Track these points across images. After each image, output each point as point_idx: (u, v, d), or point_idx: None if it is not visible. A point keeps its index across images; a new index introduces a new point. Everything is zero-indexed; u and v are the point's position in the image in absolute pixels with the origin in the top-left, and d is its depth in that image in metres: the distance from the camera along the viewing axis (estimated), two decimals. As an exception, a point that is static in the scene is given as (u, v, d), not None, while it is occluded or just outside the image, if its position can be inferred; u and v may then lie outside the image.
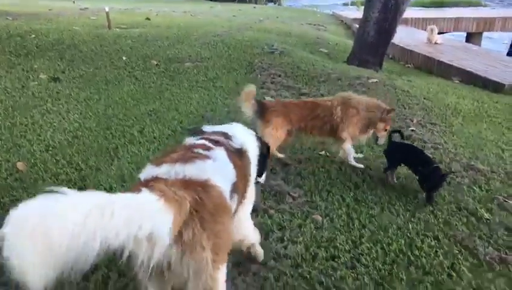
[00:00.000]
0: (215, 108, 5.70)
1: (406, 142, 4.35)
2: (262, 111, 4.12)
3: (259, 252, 2.73)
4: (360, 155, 4.43)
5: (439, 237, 3.10)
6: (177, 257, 1.65)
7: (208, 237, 1.69)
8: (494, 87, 7.77)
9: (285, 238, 3.00)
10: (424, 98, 6.53)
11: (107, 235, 1.32)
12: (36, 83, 6.17)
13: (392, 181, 3.90)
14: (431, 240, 3.06)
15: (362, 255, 2.86)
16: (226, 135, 2.31)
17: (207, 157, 1.95)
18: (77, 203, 1.33)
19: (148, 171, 1.82)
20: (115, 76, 6.78)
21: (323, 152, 4.50)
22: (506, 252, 2.95)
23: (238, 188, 2.07)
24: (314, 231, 3.10)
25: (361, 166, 4.23)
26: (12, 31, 8.50)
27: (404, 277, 2.66)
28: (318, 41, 11.57)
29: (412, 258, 2.85)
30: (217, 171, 1.88)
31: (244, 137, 2.39)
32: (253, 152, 2.42)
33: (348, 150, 4.26)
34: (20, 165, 3.82)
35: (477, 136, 5.22)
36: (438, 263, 2.81)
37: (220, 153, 2.07)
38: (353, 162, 4.26)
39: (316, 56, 9.49)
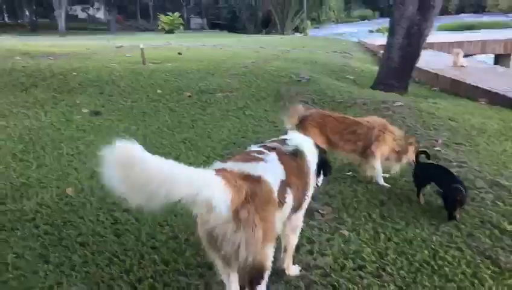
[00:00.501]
0: (245, 135, 6.01)
1: (431, 162, 4.50)
2: (302, 121, 4.42)
3: (290, 262, 2.95)
4: (386, 175, 4.61)
5: (462, 248, 3.24)
6: (233, 230, 2.07)
7: (259, 219, 2.13)
8: (520, 107, 7.84)
9: (314, 251, 3.21)
10: (450, 119, 6.67)
11: (171, 189, 1.82)
12: (79, 116, 6.64)
13: (422, 201, 4.04)
14: (454, 251, 3.21)
15: (387, 265, 3.03)
16: (282, 142, 2.74)
17: (261, 159, 2.42)
18: (155, 160, 1.83)
19: (216, 165, 2.30)
20: (151, 108, 7.20)
21: (350, 173, 4.71)
22: (528, 262, 3.07)
23: (290, 185, 2.47)
24: (342, 245, 3.30)
25: (388, 185, 4.42)
26: (55, 70, 9.11)
27: (428, 284, 2.82)
28: (344, 69, 11.85)
29: (436, 267, 3.01)
30: (267, 170, 2.33)
31: (299, 142, 2.77)
32: (310, 156, 2.78)
33: (378, 168, 4.49)
34: (69, 190, 4.17)
35: (502, 154, 5.33)
36: (460, 272, 2.96)
37: (272, 156, 2.50)
38: (381, 181, 4.46)
39: (342, 82, 9.75)
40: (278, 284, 2.81)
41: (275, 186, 2.31)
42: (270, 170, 2.36)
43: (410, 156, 4.45)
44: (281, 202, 2.39)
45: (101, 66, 9.89)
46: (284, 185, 2.41)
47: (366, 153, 4.52)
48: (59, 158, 4.98)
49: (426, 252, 3.20)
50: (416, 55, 8.94)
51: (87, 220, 3.63)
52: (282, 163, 2.48)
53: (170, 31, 31.57)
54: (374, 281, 2.85)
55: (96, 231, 3.47)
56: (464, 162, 4.93)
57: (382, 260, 3.09)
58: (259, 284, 2.27)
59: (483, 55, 18.51)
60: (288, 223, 2.75)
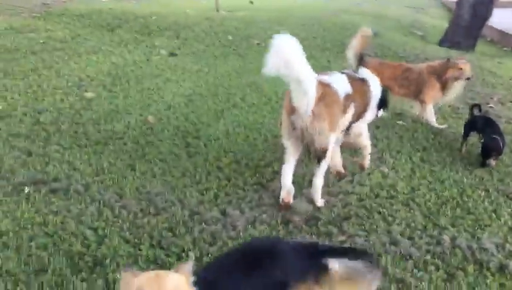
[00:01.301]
0: (307, 82, 6.45)
1: (483, 115, 4.73)
2: (360, 64, 4.85)
3: (367, 161, 3.87)
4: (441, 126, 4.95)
5: (490, 190, 3.63)
6: (310, 122, 2.98)
7: (326, 113, 2.99)
8: None
9: (354, 181, 3.72)
10: (510, 79, 6.72)
11: (294, 72, 2.82)
12: (158, 57, 7.34)
13: (463, 149, 4.37)
14: (481, 191, 3.60)
15: (417, 197, 3.49)
16: (354, 72, 3.69)
17: (333, 75, 3.28)
18: (299, 57, 2.84)
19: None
20: (222, 52, 7.78)
21: (400, 122, 5.08)
22: (547, 205, 3.41)
23: (354, 99, 3.31)
24: (380, 179, 3.77)
25: (443, 126, 4.90)
26: (137, 13, 9.87)
27: (449, 214, 3.26)
28: (414, 24, 11.76)
29: (461, 202, 3.43)
30: (336, 81, 3.18)
31: (368, 76, 3.62)
32: (374, 88, 3.60)
33: (430, 112, 4.96)
34: (150, 118, 4.87)
35: (556, 114, 5.45)
36: (482, 207, 3.37)
37: (342, 76, 3.34)
38: (434, 123, 4.94)
39: (410, 38, 9.81)
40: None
41: (341, 93, 3.14)
42: (338, 83, 3.18)
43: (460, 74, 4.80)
44: (345, 109, 3.22)
45: (178, 11, 10.54)
46: (350, 98, 3.24)
47: (419, 97, 4.96)
48: (141, 91, 5.70)
49: (455, 190, 3.61)
50: (487, 14, 8.81)
51: (165, 142, 4.32)
52: (350, 82, 3.29)
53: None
54: (402, 208, 3.33)
55: (172, 151, 4.15)
56: (513, 119, 5.14)
57: (413, 193, 3.55)
58: (324, 159, 3.18)
59: None
60: (353, 130, 3.60)
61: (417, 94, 4.98)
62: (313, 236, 2.96)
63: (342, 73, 3.45)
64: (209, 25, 9.32)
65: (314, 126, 3.00)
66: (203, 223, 3.04)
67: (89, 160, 3.87)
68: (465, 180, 3.77)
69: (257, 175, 3.75)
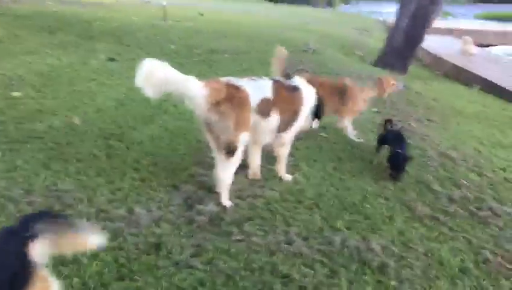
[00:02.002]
0: (241, 93, 6.63)
1: (395, 129, 5.03)
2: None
3: (283, 168, 4.04)
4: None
5: (390, 198, 3.87)
6: (216, 119, 3.18)
7: (233, 113, 3.18)
8: (509, 96, 8.23)
9: (265, 186, 3.88)
10: (433, 100, 7.18)
11: (173, 87, 3.02)
12: (96, 61, 7.34)
13: (376, 161, 4.64)
14: (382, 199, 3.84)
15: (321, 202, 3.68)
16: (288, 80, 3.85)
17: (251, 79, 3.46)
18: (166, 69, 3.00)
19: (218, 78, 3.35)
20: (162, 60, 7.83)
21: (323, 134, 5.31)
22: (439, 213, 3.68)
23: (277, 105, 3.50)
24: (291, 185, 3.95)
25: (359, 140, 5.18)
26: (81, 17, 9.83)
27: (347, 218, 3.47)
28: (356, 44, 12.27)
29: (360, 208, 3.65)
30: (251, 85, 3.35)
31: (302, 85, 3.80)
32: (307, 96, 3.78)
33: (350, 125, 5.24)
34: (76, 119, 4.88)
35: (466, 133, 5.86)
36: (379, 213, 3.59)
37: (265, 81, 3.54)
38: (353, 136, 5.22)
39: (348, 57, 10.24)
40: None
41: (254, 97, 3.32)
42: (253, 86, 3.37)
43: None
44: (264, 113, 3.43)
45: (124, 17, 10.55)
46: (269, 102, 3.44)
47: (340, 111, 5.22)
48: (71, 93, 5.70)
49: (358, 197, 3.83)
50: (419, 38, 9.34)
51: (86, 143, 4.35)
52: (274, 88, 3.49)
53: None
54: (305, 212, 3.51)
55: (92, 152, 4.18)
56: (427, 136, 5.50)
57: (318, 198, 3.74)
58: (232, 157, 3.35)
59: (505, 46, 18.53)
60: (277, 139, 3.80)
61: (339, 108, 5.22)
62: (214, 235, 3.08)
63: (272, 79, 3.63)
64: (153, 32, 9.40)
65: (219, 124, 3.22)
66: (108, 221, 3.11)
67: (3, 157, 3.86)
68: (369, 188, 4.01)
69: (172, 177, 3.85)
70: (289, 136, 3.87)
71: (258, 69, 7.97)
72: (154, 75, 2.95)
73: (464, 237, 3.37)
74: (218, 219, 3.28)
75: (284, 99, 3.61)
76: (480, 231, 3.48)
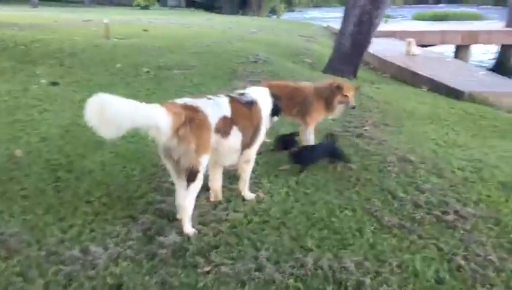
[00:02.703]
0: (194, 109, 6.43)
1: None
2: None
3: (247, 187, 3.89)
4: None
5: (356, 209, 3.78)
6: (176, 144, 3.00)
7: (193, 136, 3.03)
8: (456, 94, 8.48)
9: (229, 208, 3.70)
10: (385, 103, 7.24)
11: (133, 121, 2.78)
12: (37, 86, 6.94)
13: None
14: (349, 211, 3.74)
15: (288, 220, 3.54)
16: (242, 94, 3.67)
17: (208, 98, 3.34)
18: (121, 102, 2.75)
19: (174, 100, 3.20)
20: (108, 81, 7.54)
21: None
22: (406, 221, 3.62)
23: (238, 124, 3.40)
24: (255, 204, 3.79)
25: None
26: (18, 41, 9.32)
27: (316, 235, 3.35)
28: (304, 52, 12.34)
29: (328, 223, 3.53)
30: (208, 105, 3.24)
31: (256, 94, 3.71)
32: (264, 105, 3.71)
33: (311, 134, 5.07)
34: (18, 152, 4.53)
35: (421, 135, 5.91)
36: (347, 227, 3.49)
37: (221, 99, 3.42)
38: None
39: (299, 66, 10.25)
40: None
41: (213, 116, 3.20)
42: (211, 105, 3.26)
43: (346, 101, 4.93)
44: (224, 132, 3.31)
45: (64, 38, 10.11)
46: (228, 121, 3.33)
47: (303, 118, 5.06)
48: (12, 124, 5.32)
49: (324, 211, 3.72)
50: (366, 43, 9.47)
51: (31, 177, 4.03)
52: (231, 106, 3.39)
53: (146, 7, 31.40)
54: (272, 232, 3.36)
55: (38, 186, 3.87)
56: (385, 140, 5.49)
57: (285, 217, 3.60)
58: (193, 182, 3.18)
59: (445, 46, 19.29)
60: (242, 156, 3.66)
61: (302, 115, 5.08)
62: (179, 269, 2.88)
63: (228, 96, 3.51)
64: (97, 52, 9.05)
65: (179, 149, 3.04)
66: (60, 264, 2.84)
67: None
68: (334, 201, 3.91)
69: (128, 207, 3.61)
70: (253, 151, 3.78)
71: (210, 83, 7.83)
72: (108, 111, 2.67)
73: (434, 244, 3.32)
74: (182, 250, 3.08)
75: (243, 115, 3.52)
76: (449, 236, 3.44)
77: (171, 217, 3.46)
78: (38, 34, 10.45)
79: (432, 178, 4.51)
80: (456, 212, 3.82)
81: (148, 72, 8.16)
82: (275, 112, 3.91)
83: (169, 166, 3.27)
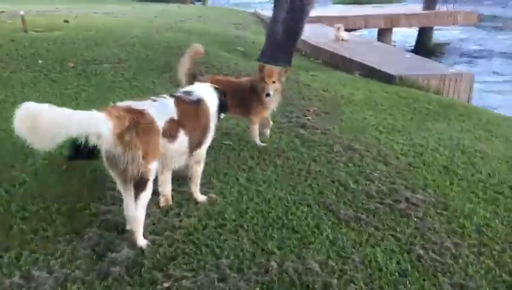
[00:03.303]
0: (129, 106, 6.08)
1: None
2: (191, 83, 4.63)
3: (198, 189, 3.71)
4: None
5: (311, 204, 3.73)
6: (121, 151, 2.76)
7: (140, 142, 2.80)
8: (387, 78, 8.71)
9: (181, 213, 3.51)
10: (323, 90, 7.28)
11: (68, 129, 2.47)
12: None
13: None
14: (304, 207, 3.69)
15: (245, 222, 3.42)
16: (187, 92, 3.47)
17: (153, 100, 3.14)
18: (54, 111, 2.45)
19: (116, 103, 2.95)
20: (31, 79, 6.95)
21: (227, 142, 5.03)
22: (361, 213, 3.64)
23: (184, 125, 3.21)
24: (208, 207, 3.62)
25: (264, 144, 4.94)
26: None
27: (276, 236, 3.25)
28: (235, 40, 12.14)
29: (286, 221, 3.45)
30: (154, 107, 3.02)
31: (202, 92, 3.52)
32: (210, 102, 3.54)
33: (255, 130, 4.95)
34: None
35: (362, 121, 5.99)
36: (305, 224, 3.43)
37: (166, 100, 3.22)
38: (258, 141, 4.96)
39: (232, 54, 10.05)
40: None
41: (160, 119, 3.00)
42: (157, 108, 3.05)
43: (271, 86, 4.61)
44: (171, 135, 3.11)
45: (-25, 33, 9.22)
46: (175, 123, 3.14)
47: (246, 115, 4.94)
48: None
49: (280, 209, 3.64)
50: (298, 30, 9.45)
51: (-46, 195, 3.60)
52: (177, 107, 3.19)
53: (62, -5, 29.55)
54: (231, 237, 3.22)
55: (-37, 205, 3.46)
56: (328, 130, 5.51)
57: (241, 218, 3.47)
58: (143, 191, 2.96)
59: (368, 29, 19.90)
60: (192, 157, 3.50)
61: (245, 112, 4.94)
62: (136, 287, 2.66)
63: (172, 96, 3.32)
64: (15, 47, 8.32)
65: (126, 155, 2.79)
66: (0, 295, 2.53)
67: None
68: (289, 197, 3.83)
69: (71, 221, 3.31)
70: (203, 151, 3.63)
71: (142, 77, 7.45)
72: (40, 122, 2.41)
73: (392, 235, 3.35)
74: (137, 265, 2.86)
75: (190, 115, 3.34)
76: (404, 225, 3.49)
77: (120, 229, 3.22)
78: None
79: (379, 166, 4.58)
80: (407, 199, 3.89)
81: (74, 67, 7.62)
82: (222, 108, 3.75)
83: (114, 175, 3.00)
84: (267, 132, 5.11)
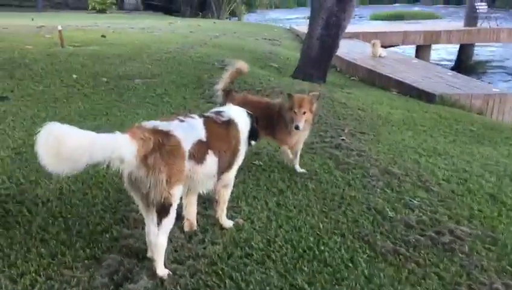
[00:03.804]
0: (159, 123, 5.98)
1: None
2: (225, 101, 4.47)
3: (224, 215, 3.49)
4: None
5: (345, 234, 3.46)
6: (144, 174, 2.60)
7: (164, 165, 2.62)
8: (427, 97, 8.36)
9: (206, 240, 3.30)
10: (359, 109, 7.00)
11: (91, 156, 2.33)
12: (-17, 102, 6.32)
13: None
14: (337, 237, 3.42)
15: (273, 252, 3.17)
16: (218, 113, 3.31)
17: (180, 120, 2.93)
18: (77, 135, 2.33)
19: (142, 123, 2.78)
20: (64, 94, 6.98)
21: (256, 162, 4.83)
22: (400, 245, 3.34)
23: (213, 147, 3.01)
24: (235, 233, 3.41)
25: (303, 170, 4.60)
26: (-37, 51, 8.59)
27: (306, 269, 2.99)
28: (270, 56, 12.03)
29: (317, 253, 3.19)
30: (181, 128, 2.83)
31: (234, 113, 3.33)
32: (242, 125, 3.34)
33: (287, 153, 4.62)
34: (-40, 182, 3.99)
35: (400, 143, 5.68)
36: (338, 257, 3.16)
37: (195, 120, 3.02)
38: (297, 166, 4.64)
39: (266, 71, 9.91)
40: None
41: (186, 141, 2.80)
42: (184, 128, 2.86)
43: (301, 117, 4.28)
44: (199, 158, 2.91)
45: (15, 47, 9.43)
46: (204, 145, 2.94)
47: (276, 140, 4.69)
48: (-47, 147, 4.74)
49: (311, 238, 3.38)
50: (334, 46, 9.25)
51: (-24, 213, 3.51)
52: (206, 127, 3.00)
53: (102, 11, 30.37)
54: (257, 268, 2.99)
55: (-16, 224, 3.37)
56: (364, 151, 5.23)
57: (269, 247, 3.23)
58: (166, 217, 2.76)
59: (405, 46, 19.46)
60: (220, 180, 3.28)
61: (273, 135, 4.66)
62: (153, 323, 2.46)
63: (202, 116, 3.14)
64: (50, 62, 8.43)
65: (149, 179, 2.63)
66: (10, 327, 2.37)
67: None
68: (321, 225, 3.58)
69: (91, 245, 3.15)
70: (231, 175, 3.42)
71: (174, 93, 7.39)
72: (65, 147, 2.28)
73: (434, 273, 3.03)
74: (156, 298, 2.66)
75: (220, 137, 3.15)
76: (448, 261, 3.17)
77: (141, 256, 3.03)
78: (-15, 43, 9.71)
79: (419, 192, 4.27)
80: (450, 232, 3.57)
81: (107, 82, 7.63)
82: (253, 135, 3.53)
83: (137, 199, 2.84)
84: (294, 161, 4.68)
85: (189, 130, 2.93)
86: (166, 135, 2.75)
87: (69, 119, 5.87)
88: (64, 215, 3.54)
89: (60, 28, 10.34)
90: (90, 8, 31.47)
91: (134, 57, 9.39)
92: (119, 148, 2.47)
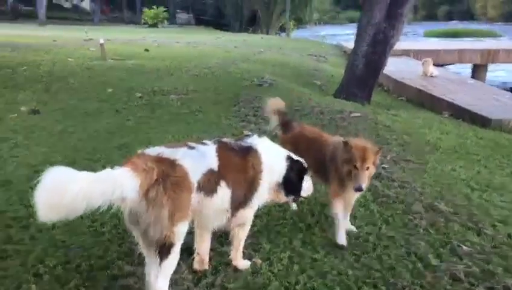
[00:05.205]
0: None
1: None
2: (284, 130, 4.06)
3: (239, 255, 3.08)
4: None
5: (379, 285, 2.96)
6: (144, 208, 2.30)
7: (167, 199, 2.33)
8: (482, 122, 7.64)
9: (215, 283, 2.90)
10: (404, 134, 6.43)
11: (89, 201, 2.11)
12: (15, 115, 6.25)
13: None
14: (370, 288, 2.93)
15: (291, 304, 2.74)
16: (239, 138, 3.09)
17: (189, 146, 2.61)
18: (75, 178, 2.09)
19: (145, 151, 2.50)
20: (96, 108, 6.84)
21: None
22: (445, 304, 2.81)
23: (226, 178, 2.65)
24: (249, 277, 2.99)
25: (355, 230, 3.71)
26: (5, 63, 8.71)
27: (328, 330, 2.53)
28: (313, 73, 11.61)
29: (344, 308, 2.73)
30: (189, 157, 2.51)
31: (258, 144, 2.94)
32: (268, 160, 2.91)
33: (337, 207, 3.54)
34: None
35: (449, 174, 5.08)
36: (365, 315, 2.68)
37: (206, 147, 2.68)
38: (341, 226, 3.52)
39: (307, 88, 9.49)
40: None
41: (195, 171, 2.49)
42: (193, 157, 2.54)
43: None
44: (209, 190, 2.57)
45: (57, 60, 9.52)
46: (215, 175, 2.60)
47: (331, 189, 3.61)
48: (-28, 163, 4.60)
49: (338, 288, 2.91)
50: (380, 64, 8.70)
51: (-24, 238, 3.28)
52: (219, 155, 2.66)
53: (154, 25, 31.10)
54: (270, 323, 2.56)
55: (-20, 252, 3.12)
56: (407, 182, 4.68)
57: (287, 298, 2.80)
58: (167, 258, 2.44)
59: (462, 65, 18.47)
60: (235, 218, 2.87)
61: (323, 180, 3.77)
62: None
63: (216, 142, 2.79)
64: (88, 76, 8.39)
65: (149, 214, 2.33)
66: None
67: None
68: (350, 272, 3.09)
69: (87, 284, 2.82)
70: (249, 213, 2.96)
71: (208, 110, 7.10)
72: (68, 192, 2.06)
73: None
74: None
75: (234, 166, 2.76)
76: (503, 329, 2.61)
77: (139, 300, 2.67)
78: (30, 56, 9.84)
79: (469, 235, 3.69)
80: (506, 288, 2.98)
81: (140, 97, 7.44)
82: (292, 187, 3.04)
83: (136, 234, 2.51)
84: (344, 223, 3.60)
85: (198, 159, 2.58)
86: (172, 164, 2.44)
87: (96, 135, 5.69)
88: (67, 245, 3.26)
89: (101, 41, 10.38)
90: (143, 22, 32.30)
91: (173, 72, 9.23)
92: (120, 187, 2.21)
